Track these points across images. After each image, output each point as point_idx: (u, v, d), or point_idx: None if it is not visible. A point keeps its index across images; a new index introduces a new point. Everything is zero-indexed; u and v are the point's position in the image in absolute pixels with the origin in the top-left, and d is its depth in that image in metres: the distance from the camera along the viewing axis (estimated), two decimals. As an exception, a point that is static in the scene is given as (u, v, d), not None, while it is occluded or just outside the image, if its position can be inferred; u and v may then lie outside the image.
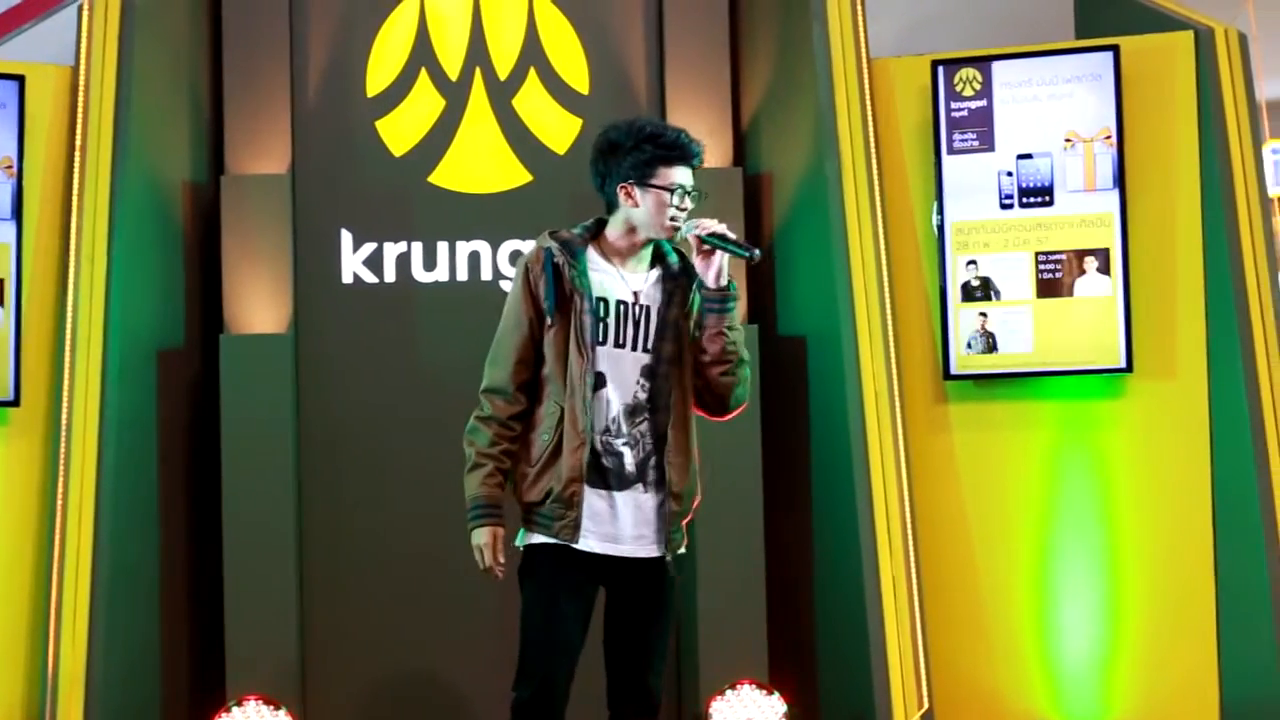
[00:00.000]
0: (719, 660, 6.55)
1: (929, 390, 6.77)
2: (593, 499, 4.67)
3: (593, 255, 4.78)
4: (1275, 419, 6.46)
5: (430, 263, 6.92)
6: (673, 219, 4.74)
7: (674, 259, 4.83)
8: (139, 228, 6.53)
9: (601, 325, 4.70)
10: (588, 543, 4.66)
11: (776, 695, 6.48)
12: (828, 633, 6.73)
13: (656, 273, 4.79)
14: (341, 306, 6.91)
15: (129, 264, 6.46)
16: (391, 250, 6.92)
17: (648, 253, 4.80)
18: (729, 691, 6.47)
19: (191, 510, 6.74)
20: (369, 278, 6.91)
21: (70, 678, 6.21)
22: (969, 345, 6.67)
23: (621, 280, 4.75)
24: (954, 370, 6.68)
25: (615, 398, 4.71)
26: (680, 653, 6.83)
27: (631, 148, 4.75)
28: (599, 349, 4.69)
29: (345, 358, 6.88)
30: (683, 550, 4.77)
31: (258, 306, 6.73)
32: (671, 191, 4.73)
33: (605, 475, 4.68)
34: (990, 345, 6.66)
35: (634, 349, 4.73)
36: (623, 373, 4.71)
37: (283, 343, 6.69)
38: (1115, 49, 6.60)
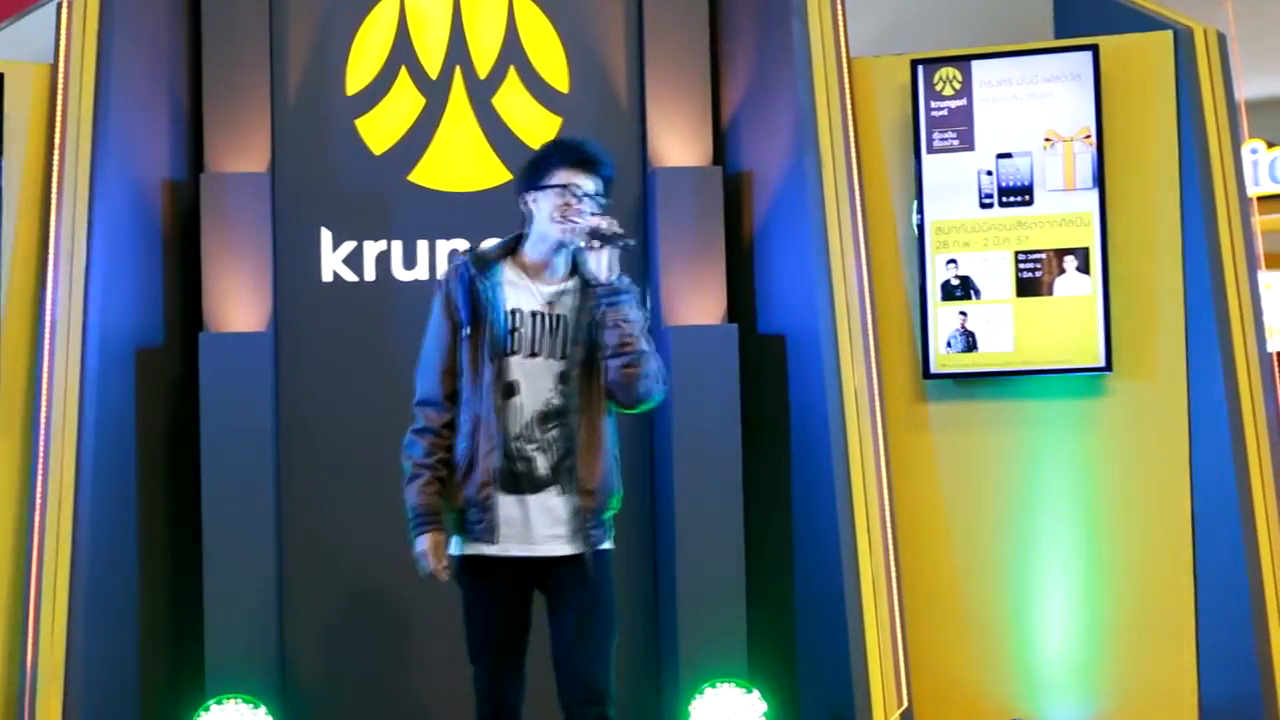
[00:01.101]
0: (699, 660, 6.55)
1: (909, 389, 6.77)
2: (507, 505, 4.90)
3: (508, 268, 5.00)
4: (1254, 418, 6.47)
5: (410, 261, 6.91)
6: (568, 217, 4.90)
7: (606, 226, 4.96)
8: (118, 226, 6.52)
9: (514, 336, 4.92)
10: (506, 547, 4.90)
11: (756, 694, 6.48)
12: (807, 632, 6.73)
13: (573, 283, 4.99)
14: (321, 305, 6.90)
15: (108, 262, 6.44)
16: (371, 249, 6.92)
17: (562, 262, 4.99)
18: (709, 691, 6.47)
19: (171, 508, 6.73)
20: (349, 276, 6.91)
21: (49, 675, 6.19)
22: (949, 344, 6.68)
23: (534, 292, 4.95)
24: (934, 369, 6.69)
25: (527, 405, 4.92)
26: (660, 652, 6.84)
27: (541, 159, 5.03)
28: (511, 359, 4.92)
29: (325, 356, 6.88)
30: (605, 546, 4.97)
31: (237, 305, 6.72)
32: (566, 189, 4.91)
33: (518, 480, 4.91)
34: (970, 344, 6.67)
35: (549, 357, 4.94)
36: (535, 381, 4.93)
37: (262, 341, 6.68)
38: (1095, 49, 6.61)
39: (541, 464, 4.90)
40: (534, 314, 4.93)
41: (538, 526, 4.90)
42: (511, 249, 5.03)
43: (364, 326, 6.89)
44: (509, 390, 4.90)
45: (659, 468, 6.81)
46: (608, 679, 4.93)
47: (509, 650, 4.98)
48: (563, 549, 4.91)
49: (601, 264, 4.87)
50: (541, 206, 4.94)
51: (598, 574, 4.94)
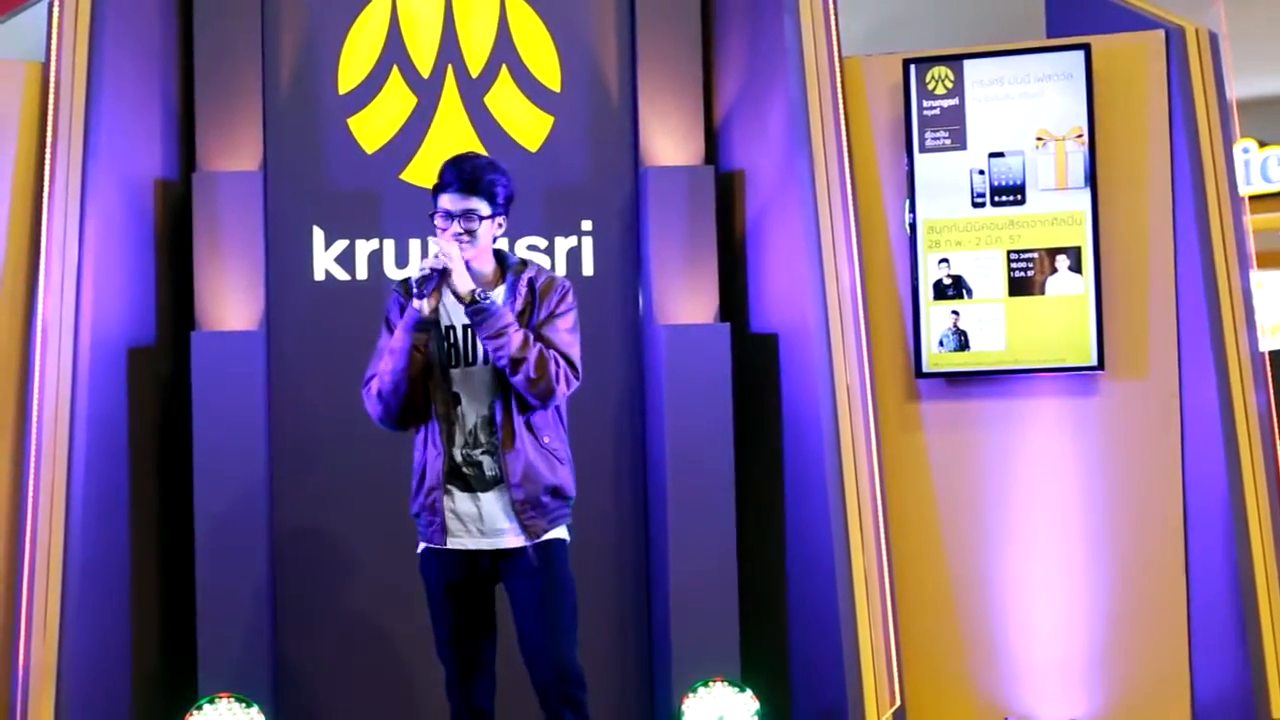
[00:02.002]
0: (691, 658, 6.55)
1: (901, 388, 6.78)
2: (462, 502, 5.23)
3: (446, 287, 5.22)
4: (1246, 417, 6.48)
5: (402, 260, 6.91)
6: (447, 243, 5.18)
7: (514, 269, 5.30)
8: (110, 224, 6.51)
9: (452, 350, 5.24)
10: (460, 541, 5.23)
11: (749, 693, 6.48)
12: (800, 630, 6.74)
13: (501, 287, 5.26)
14: (313, 304, 6.90)
15: (100, 261, 6.44)
16: (363, 247, 6.91)
17: (487, 272, 5.29)
18: (701, 689, 6.47)
19: (162, 507, 6.72)
20: (341, 275, 6.91)
21: (42, 674, 6.19)
22: (941, 343, 6.68)
23: (460, 305, 5.20)
24: (926, 368, 6.70)
25: (471, 412, 5.23)
26: (652, 651, 6.84)
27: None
28: (453, 371, 5.24)
29: (317, 355, 6.87)
30: (553, 536, 5.24)
31: (229, 304, 6.71)
32: (442, 216, 5.22)
33: (469, 482, 5.21)
34: (962, 343, 6.67)
35: (485, 364, 5.22)
36: (475, 389, 5.23)
37: (254, 340, 6.67)
38: (1086, 48, 6.62)
39: (489, 465, 5.20)
40: (465, 326, 5.22)
41: (489, 521, 5.21)
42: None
43: (356, 325, 6.86)
44: (455, 400, 5.23)
45: (651, 467, 6.81)
46: (572, 659, 5.18)
47: (473, 648, 5.27)
48: (513, 541, 5.19)
49: (449, 293, 5.18)
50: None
51: (547, 562, 5.20)
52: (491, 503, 5.19)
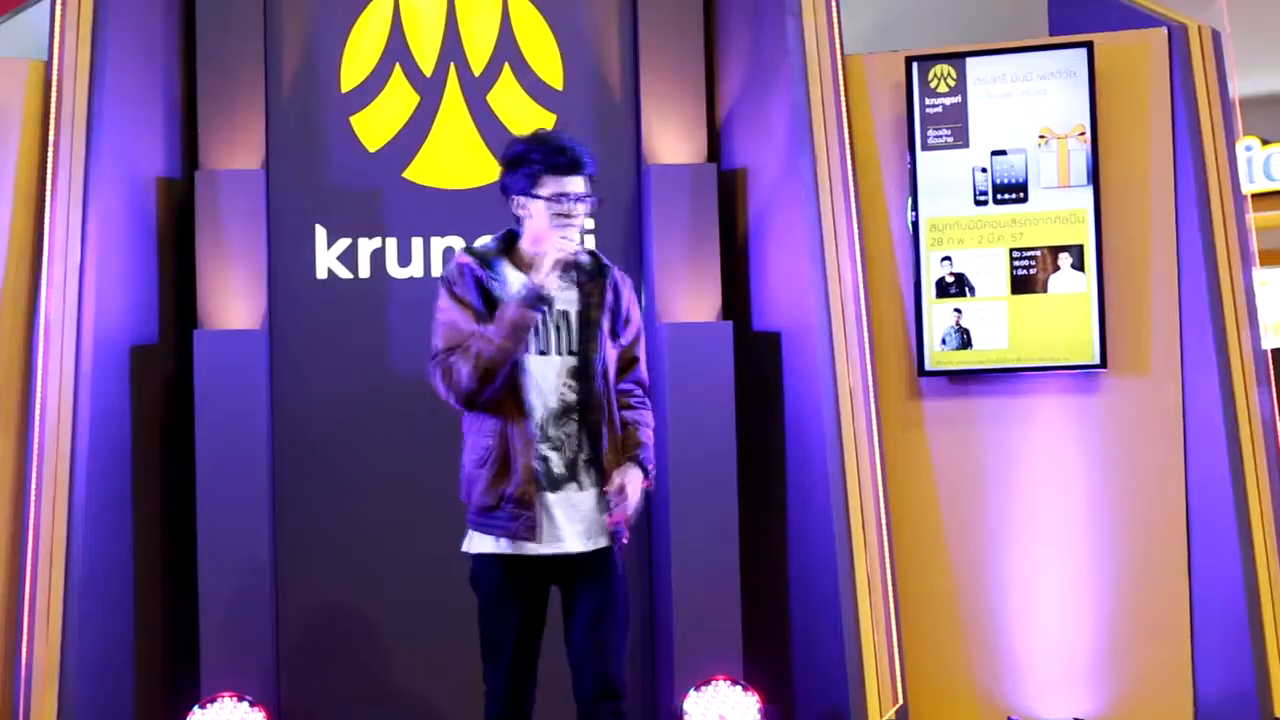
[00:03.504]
0: (693, 656, 6.55)
1: (903, 386, 6.78)
2: (552, 500, 4.90)
3: (508, 267, 4.97)
4: (1249, 415, 6.47)
5: (405, 258, 6.91)
6: (562, 227, 4.90)
7: (586, 260, 5.00)
8: (112, 223, 6.51)
9: (539, 336, 4.92)
10: (548, 545, 4.88)
11: (751, 691, 6.48)
12: (802, 628, 6.73)
13: (571, 275, 4.98)
14: (316, 302, 6.89)
15: (102, 259, 6.44)
16: (366, 246, 6.91)
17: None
18: (703, 687, 6.47)
19: (165, 506, 6.72)
20: (343, 273, 6.90)
21: (44, 673, 6.19)
22: (943, 341, 6.68)
23: None
24: (928, 366, 6.69)
25: (539, 403, 4.91)
26: (655, 649, 6.84)
27: (523, 160, 4.95)
28: (523, 358, 4.89)
29: (319, 353, 6.87)
30: (625, 540, 4.98)
31: (232, 302, 6.71)
32: (560, 199, 4.90)
33: (538, 478, 4.90)
34: (965, 341, 6.67)
35: (557, 354, 4.94)
36: (547, 378, 4.92)
37: (257, 338, 6.67)
38: (1089, 46, 6.62)
39: (557, 461, 4.91)
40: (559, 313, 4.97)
41: (558, 524, 4.90)
42: (507, 246, 5.03)
43: (359, 324, 6.89)
44: (546, 389, 4.93)
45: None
46: (624, 674, 4.94)
47: (527, 650, 4.96)
48: (587, 545, 4.93)
49: (551, 277, 4.88)
50: (536, 212, 4.92)
51: (617, 569, 4.97)
52: (564, 503, 4.90)
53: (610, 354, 5.00)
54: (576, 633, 4.96)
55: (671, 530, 6.57)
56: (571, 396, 4.92)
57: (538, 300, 4.81)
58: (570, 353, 4.94)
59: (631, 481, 4.94)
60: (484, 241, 5.13)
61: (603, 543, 4.94)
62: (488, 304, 4.89)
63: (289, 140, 6.92)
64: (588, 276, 4.98)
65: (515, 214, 4.99)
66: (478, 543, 4.95)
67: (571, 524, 4.90)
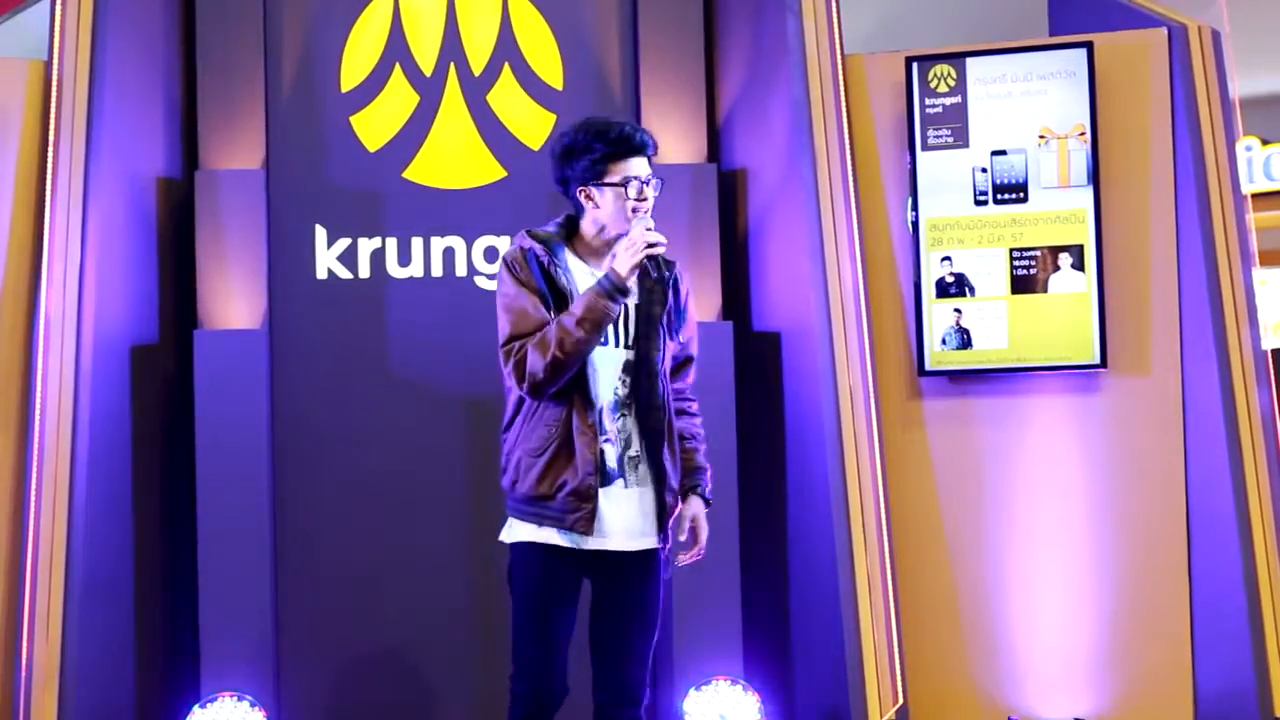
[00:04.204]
0: (694, 656, 6.55)
1: (903, 386, 6.78)
2: (612, 495, 4.78)
3: (569, 255, 4.87)
4: (1249, 415, 6.48)
5: (405, 258, 6.90)
6: (634, 211, 4.78)
7: (664, 248, 4.83)
8: (112, 223, 6.51)
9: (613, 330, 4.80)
10: (583, 540, 4.75)
11: (751, 691, 6.48)
12: (803, 629, 6.73)
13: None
14: (316, 302, 6.89)
15: (102, 259, 6.44)
16: (366, 246, 6.91)
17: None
18: (704, 687, 6.47)
19: (165, 506, 6.72)
20: (343, 274, 6.90)
21: (44, 673, 6.19)
22: (943, 341, 6.68)
23: (595, 279, 4.79)
24: (928, 366, 6.69)
25: (597, 395, 4.79)
26: (655, 649, 6.83)
27: (583, 149, 4.82)
28: (605, 350, 4.80)
29: (319, 353, 6.87)
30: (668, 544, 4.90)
31: (232, 302, 6.71)
32: (627, 185, 4.78)
33: (607, 473, 4.79)
34: (965, 341, 6.67)
35: (616, 346, 4.82)
36: (605, 370, 4.80)
37: (257, 338, 6.67)
38: (1089, 46, 6.61)
39: (611, 455, 4.80)
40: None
41: (611, 520, 4.77)
42: (568, 233, 4.89)
43: (359, 324, 6.88)
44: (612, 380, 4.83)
45: (654, 465, 6.80)
46: (646, 679, 4.86)
47: (562, 646, 4.81)
48: (636, 544, 4.82)
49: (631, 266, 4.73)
50: (605, 201, 4.79)
51: (660, 572, 4.88)
52: (614, 500, 4.77)
53: (668, 351, 4.90)
54: (605, 632, 4.85)
55: (671, 529, 6.56)
56: (625, 391, 4.80)
57: (618, 292, 4.69)
58: (628, 347, 4.82)
59: (701, 519, 4.93)
60: (544, 228, 4.93)
61: (648, 544, 4.83)
62: (552, 289, 4.76)
63: (289, 140, 6.92)
64: (654, 271, 4.86)
65: (578, 204, 4.84)
66: (519, 530, 4.81)
67: (617, 521, 4.78)
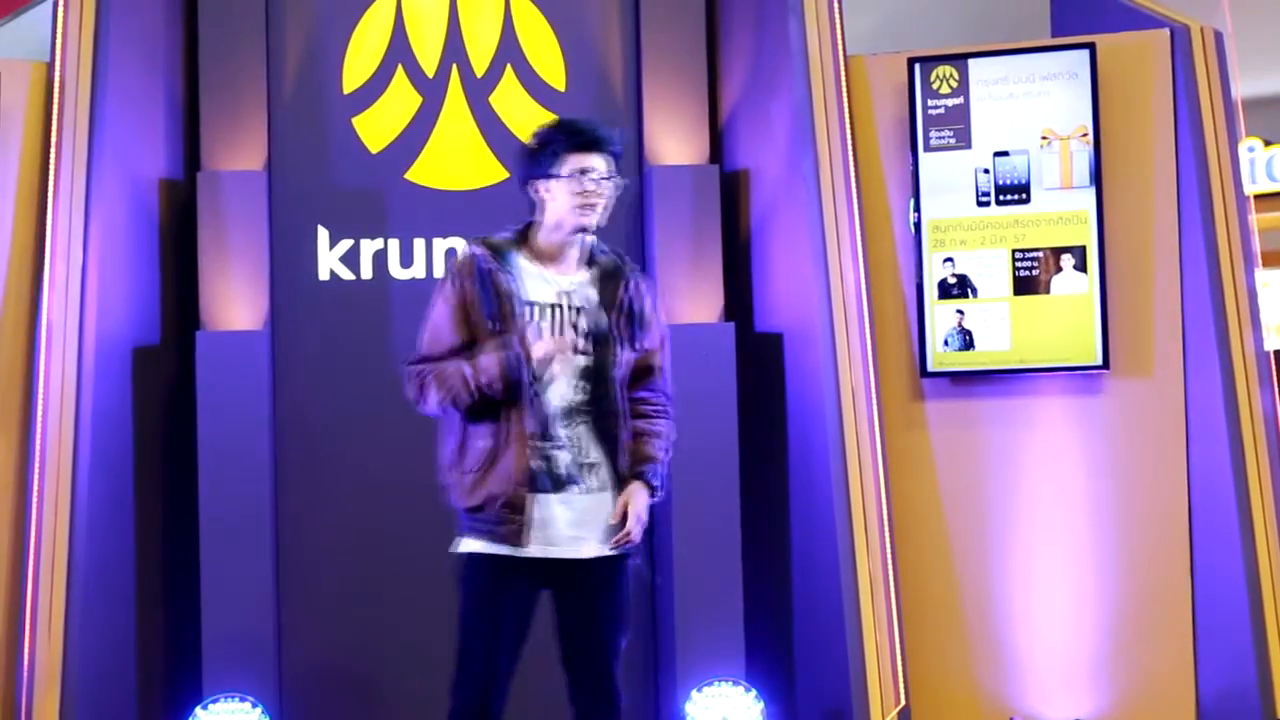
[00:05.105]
0: (696, 657, 6.54)
1: (905, 387, 6.77)
2: (548, 503, 4.70)
3: (522, 258, 4.81)
4: (1251, 417, 6.47)
5: (407, 260, 6.91)
6: (585, 204, 4.74)
7: (606, 258, 4.87)
8: (114, 224, 6.51)
9: (534, 329, 4.72)
10: (528, 548, 4.68)
11: (753, 693, 6.48)
12: (805, 630, 6.73)
13: (590, 273, 4.83)
14: (318, 303, 6.89)
15: (104, 260, 6.44)
16: (368, 247, 6.91)
17: (575, 252, 4.83)
18: (706, 689, 6.47)
19: (167, 507, 6.72)
20: (345, 274, 6.90)
21: (46, 674, 6.19)
22: (946, 342, 6.68)
23: (549, 282, 4.79)
24: (931, 367, 6.69)
25: (546, 401, 4.73)
26: (657, 650, 6.83)
27: (542, 144, 4.81)
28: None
29: (322, 354, 6.87)
30: (634, 559, 4.85)
31: (234, 303, 6.71)
32: (582, 176, 4.74)
33: (535, 479, 4.70)
34: (967, 342, 6.67)
35: (570, 351, 4.76)
36: (558, 376, 4.74)
37: (259, 340, 6.67)
38: (1092, 47, 6.61)
39: (562, 462, 4.72)
40: (552, 306, 4.76)
41: (559, 526, 4.70)
42: (523, 238, 4.84)
43: (361, 325, 6.88)
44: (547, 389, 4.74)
45: (656, 466, 6.81)
46: (619, 680, 4.80)
47: (509, 660, 4.72)
48: (587, 551, 4.74)
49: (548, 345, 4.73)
50: (557, 195, 4.75)
51: (624, 576, 4.81)
52: (564, 506, 4.70)
53: (624, 358, 4.82)
54: (572, 640, 4.79)
55: (674, 531, 6.57)
56: (580, 397, 4.74)
57: (519, 368, 4.64)
58: (584, 353, 4.76)
59: (635, 502, 4.77)
60: (499, 234, 4.89)
61: (607, 550, 4.74)
62: (495, 298, 4.72)
63: (291, 141, 6.92)
64: (605, 275, 4.83)
65: (534, 201, 4.81)
66: (466, 543, 4.75)
67: (571, 527, 4.70)
